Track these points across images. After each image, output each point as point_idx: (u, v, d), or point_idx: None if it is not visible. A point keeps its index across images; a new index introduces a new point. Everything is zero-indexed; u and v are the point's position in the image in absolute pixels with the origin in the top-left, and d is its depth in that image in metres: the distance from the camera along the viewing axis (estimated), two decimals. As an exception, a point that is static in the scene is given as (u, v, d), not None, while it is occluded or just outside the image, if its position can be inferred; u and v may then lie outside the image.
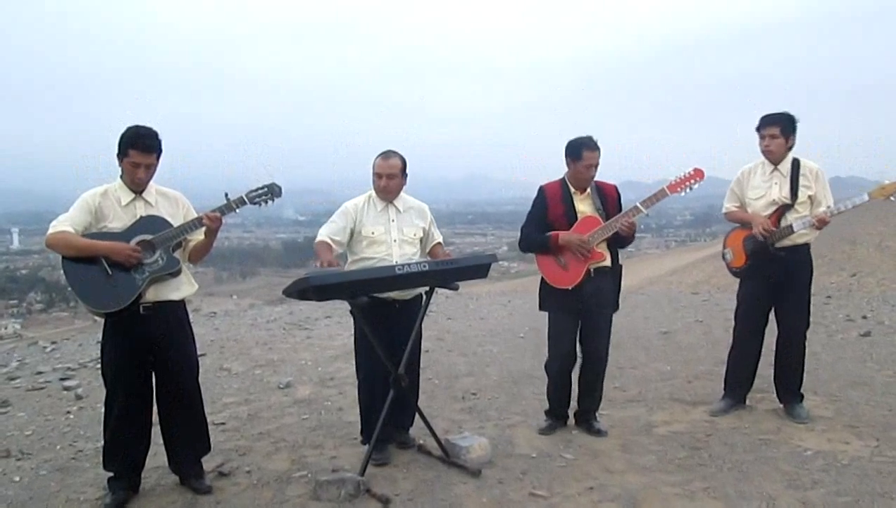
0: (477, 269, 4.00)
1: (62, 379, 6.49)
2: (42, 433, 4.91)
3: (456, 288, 4.03)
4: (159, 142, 3.53)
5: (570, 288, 4.28)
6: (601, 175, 4.38)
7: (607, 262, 4.31)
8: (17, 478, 4.06)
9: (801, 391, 4.62)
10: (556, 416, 4.55)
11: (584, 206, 4.34)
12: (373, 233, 4.14)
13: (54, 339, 9.83)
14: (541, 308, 4.51)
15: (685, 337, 7.55)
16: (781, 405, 4.65)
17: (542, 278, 4.43)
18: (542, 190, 4.44)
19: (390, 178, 4.14)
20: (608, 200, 4.36)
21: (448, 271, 3.89)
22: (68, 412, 5.42)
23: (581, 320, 4.37)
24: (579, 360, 4.49)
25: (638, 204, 4.23)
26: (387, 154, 4.18)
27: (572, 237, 4.21)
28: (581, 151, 4.23)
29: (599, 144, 4.28)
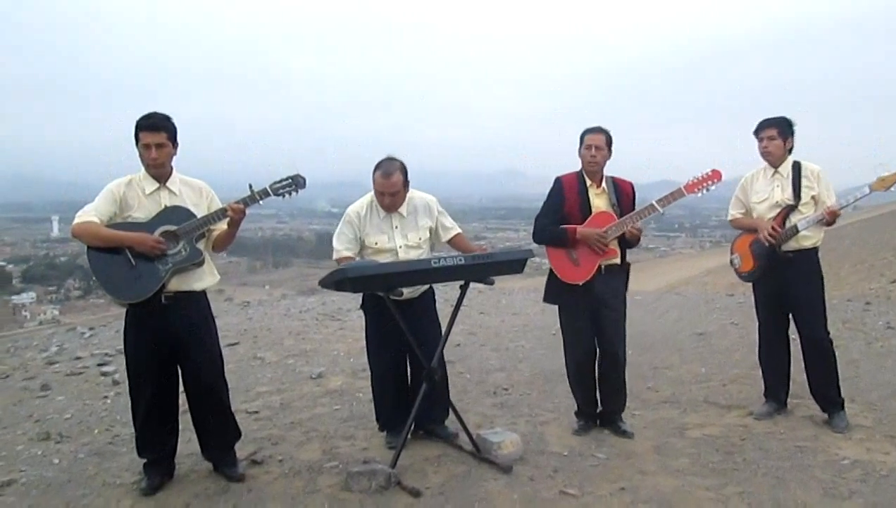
0: (513, 264, 3.98)
1: (100, 365, 6.64)
2: (80, 417, 5.02)
3: (491, 283, 4.04)
4: (168, 123, 3.54)
5: (580, 284, 4.26)
6: (627, 172, 4.38)
7: (618, 260, 4.30)
8: (57, 460, 4.15)
9: (842, 396, 4.53)
10: (586, 416, 4.52)
11: (599, 200, 4.31)
12: (376, 243, 4.12)
13: (92, 325, 10.03)
14: (546, 300, 4.49)
15: (720, 340, 7.44)
16: (820, 412, 4.56)
17: (551, 271, 4.40)
18: (559, 181, 4.40)
19: (393, 196, 4.06)
20: (623, 196, 4.34)
21: (484, 266, 3.88)
22: (105, 397, 5.54)
23: (594, 317, 4.33)
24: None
25: (654, 202, 4.22)
26: (387, 170, 4.01)
27: (590, 232, 4.19)
28: (584, 135, 4.27)
29: (614, 134, 4.30)
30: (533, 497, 3.50)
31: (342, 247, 4.13)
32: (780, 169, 4.48)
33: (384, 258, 4.09)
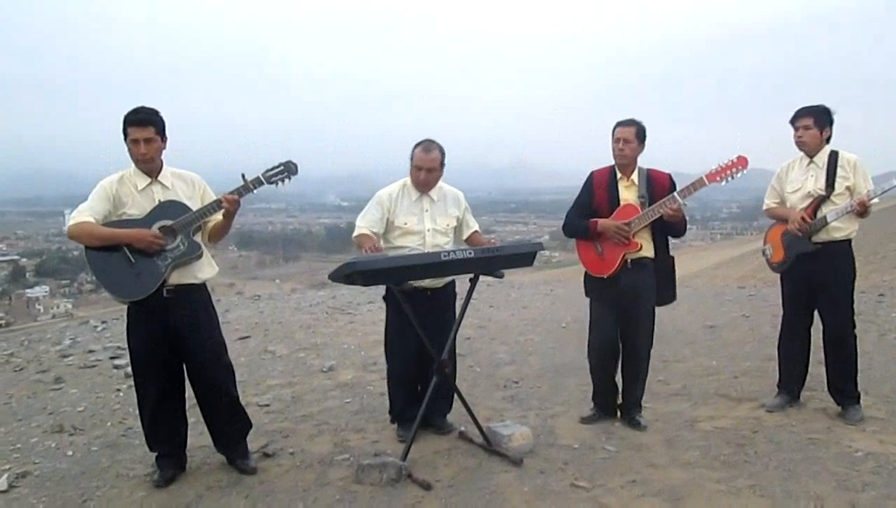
0: (522, 257, 3.97)
1: (112, 358, 6.68)
2: (93, 410, 5.06)
3: (501, 276, 4.03)
4: (156, 117, 3.51)
5: (605, 277, 4.25)
6: (644, 161, 4.34)
7: (647, 253, 4.25)
8: (70, 453, 4.19)
9: (858, 391, 4.49)
10: (600, 407, 4.52)
11: (627, 193, 4.28)
12: (406, 224, 4.13)
13: (104, 318, 10.09)
14: (585, 294, 4.50)
15: (731, 332, 7.41)
16: (833, 405, 4.53)
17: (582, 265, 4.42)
18: (591, 175, 4.41)
19: (430, 172, 4.10)
20: (657, 188, 4.25)
21: (493, 259, 3.88)
22: (118, 390, 5.57)
23: (620, 311, 4.31)
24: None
25: (674, 194, 4.15)
26: (427, 146, 4.11)
27: (609, 224, 4.18)
28: (614, 128, 4.25)
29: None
30: (543, 489, 3.50)
31: (364, 224, 4.12)
32: (815, 159, 4.39)
33: (411, 240, 4.12)
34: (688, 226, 4.35)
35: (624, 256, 4.20)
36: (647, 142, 4.28)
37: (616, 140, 4.22)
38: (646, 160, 4.34)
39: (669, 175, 4.35)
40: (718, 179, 4.13)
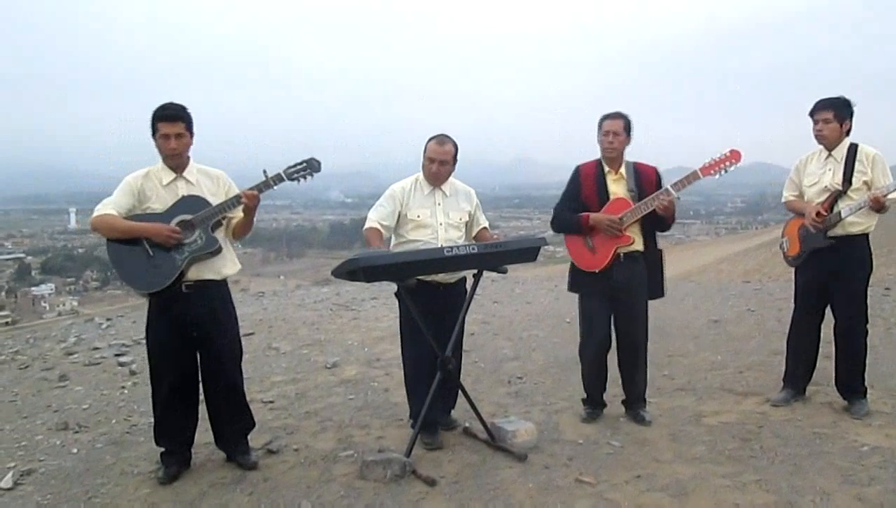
0: (526, 252, 3.96)
1: (117, 355, 6.68)
2: (98, 408, 5.06)
3: (504, 271, 4.02)
4: (185, 113, 3.55)
5: (597, 272, 4.23)
6: (647, 158, 4.33)
7: (638, 246, 4.24)
8: (75, 450, 4.19)
9: (865, 385, 4.45)
10: (594, 404, 4.50)
11: (616, 187, 4.26)
12: (418, 216, 4.13)
13: (109, 316, 10.10)
14: (570, 289, 4.47)
15: (736, 327, 7.39)
16: (839, 399, 4.51)
17: (572, 260, 4.38)
18: (577, 169, 4.39)
19: (443, 164, 4.11)
20: (645, 182, 4.24)
21: (497, 254, 3.87)
22: (123, 388, 5.58)
23: (613, 306, 4.29)
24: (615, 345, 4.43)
25: (668, 187, 4.12)
26: (441, 139, 4.12)
27: (602, 218, 4.16)
28: (602, 121, 4.23)
29: (637, 124, 4.25)
30: (548, 485, 3.50)
31: (376, 217, 4.10)
32: (834, 152, 4.32)
33: (424, 234, 4.11)
34: (675, 220, 4.32)
35: (616, 250, 4.19)
36: (633, 135, 4.27)
37: (605, 133, 4.19)
38: (647, 157, 4.33)
39: (655, 168, 4.34)
40: (712, 172, 4.12)
